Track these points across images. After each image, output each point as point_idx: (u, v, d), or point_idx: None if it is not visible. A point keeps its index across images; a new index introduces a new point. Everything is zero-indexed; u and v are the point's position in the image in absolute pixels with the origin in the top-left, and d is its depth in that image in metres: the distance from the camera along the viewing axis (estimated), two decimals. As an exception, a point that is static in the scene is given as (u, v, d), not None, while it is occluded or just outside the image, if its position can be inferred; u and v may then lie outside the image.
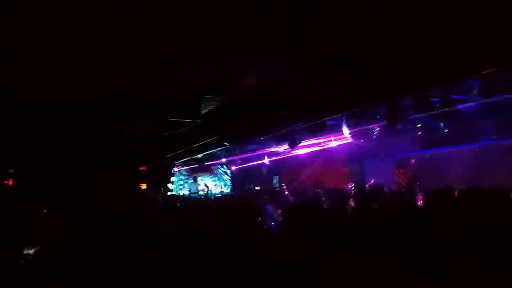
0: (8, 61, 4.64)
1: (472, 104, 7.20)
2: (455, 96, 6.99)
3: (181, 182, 16.74)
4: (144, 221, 3.83)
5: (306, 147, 11.54)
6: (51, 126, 7.89)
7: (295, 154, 12.35)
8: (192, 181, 14.61)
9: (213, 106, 5.74)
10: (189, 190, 14.46)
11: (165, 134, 7.97)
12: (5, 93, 5.46)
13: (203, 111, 5.88)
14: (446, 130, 7.90)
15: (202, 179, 15.49)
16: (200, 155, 12.18)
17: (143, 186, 14.47)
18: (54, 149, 9.03)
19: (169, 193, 14.10)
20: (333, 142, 10.39)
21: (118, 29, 4.21)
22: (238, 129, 6.84)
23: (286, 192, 10.19)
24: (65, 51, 4.62)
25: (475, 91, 6.92)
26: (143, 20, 4.12)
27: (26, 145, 8.75)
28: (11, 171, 8.90)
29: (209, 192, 11.77)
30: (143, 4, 3.84)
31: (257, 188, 11.68)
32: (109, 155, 10.04)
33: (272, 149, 12.38)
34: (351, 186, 9.18)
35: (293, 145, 9.40)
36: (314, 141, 10.53)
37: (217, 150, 11.39)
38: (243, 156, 14.97)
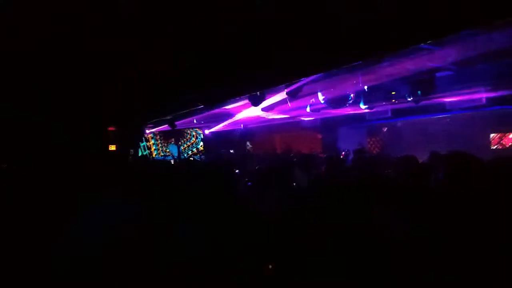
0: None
1: (447, 72, 7.25)
2: (432, 64, 6.99)
3: (158, 146, 16.45)
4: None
5: (279, 113, 11.43)
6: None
7: (269, 119, 12.26)
8: (173, 143, 14.28)
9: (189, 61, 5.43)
10: (166, 153, 14.08)
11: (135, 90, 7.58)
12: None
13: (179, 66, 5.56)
14: (420, 98, 7.94)
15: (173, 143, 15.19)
16: (169, 116, 11.79)
17: (112, 148, 13.98)
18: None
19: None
20: (307, 109, 10.31)
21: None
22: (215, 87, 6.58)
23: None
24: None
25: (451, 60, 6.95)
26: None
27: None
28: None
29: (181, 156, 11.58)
30: None
31: (231, 151, 11.60)
32: (73, 112, 9.50)
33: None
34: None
35: (256, 103, 9.12)
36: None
37: (189, 111, 11.05)
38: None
